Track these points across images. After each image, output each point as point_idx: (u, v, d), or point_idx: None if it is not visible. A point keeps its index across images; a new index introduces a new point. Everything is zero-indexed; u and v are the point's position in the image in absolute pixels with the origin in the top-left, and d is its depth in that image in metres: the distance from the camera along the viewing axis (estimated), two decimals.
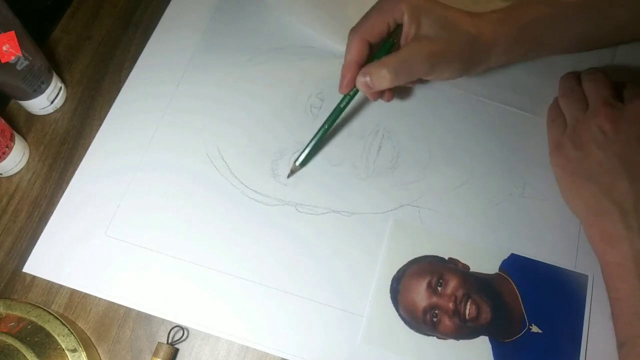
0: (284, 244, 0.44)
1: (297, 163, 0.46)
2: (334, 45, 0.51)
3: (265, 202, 0.46)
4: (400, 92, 0.50)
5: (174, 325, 0.42)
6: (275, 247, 0.44)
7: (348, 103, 0.46)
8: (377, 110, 0.49)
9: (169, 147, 0.48)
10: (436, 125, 0.49)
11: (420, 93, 0.50)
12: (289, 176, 0.47)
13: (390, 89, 0.46)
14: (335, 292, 0.43)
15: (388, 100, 0.47)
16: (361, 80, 0.43)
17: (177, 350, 0.42)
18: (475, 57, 0.45)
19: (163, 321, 0.43)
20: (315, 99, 0.50)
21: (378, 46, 0.45)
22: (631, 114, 0.42)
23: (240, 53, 0.52)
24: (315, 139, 0.46)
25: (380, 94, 0.46)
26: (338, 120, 0.46)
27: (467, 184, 0.47)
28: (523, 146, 0.48)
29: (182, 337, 0.42)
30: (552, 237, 0.44)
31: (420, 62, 0.42)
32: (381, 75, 0.42)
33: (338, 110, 0.46)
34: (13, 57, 0.44)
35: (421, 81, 0.49)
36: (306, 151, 0.46)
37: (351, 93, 0.45)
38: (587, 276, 0.43)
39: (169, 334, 0.42)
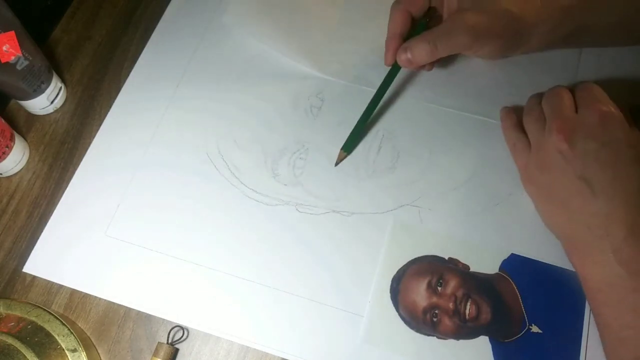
0: (284, 244, 0.44)
1: (342, 149, 0.46)
2: (301, 66, 0.51)
3: (266, 202, 0.46)
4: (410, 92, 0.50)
5: (174, 325, 0.42)
6: (276, 247, 0.44)
7: (394, 76, 0.46)
8: (377, 110, 0.49)
9: (169, 147, 0.48)
10: (436, 125, 0.49)
11: (420, 93, 0.50)
12: (336, 164, 0.47)
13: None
14: (335, 292, 0.43)
15: (429, 70, 0.49)
16: (402, 57, 0.44)
17: (177, 350, 0.42)
18: (517, 36, 0.44)
19: (163, 321, 0.43)
20: (315, 99, 0.50)
21: (419, 20, 0.46)
22: (583, 125, 0.39)
23: (240, 53, 0.52)
24: (362, 121, 0.46)
25: (422, 66, 0.47)
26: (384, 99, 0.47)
27: (468, 183, 0.47)
28: None
29: (182, 337, 0.42)
30: (552, 237, 0.44)
31: (462, 34, 0.43)
32: (421, 49, 0.43)
33: (385, 85, 0.46)
34: (13, 57, 0.44)
35: (459, 55, 0.50)
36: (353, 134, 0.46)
37: (395, 66, 0.46)
38: None
39: (169, 334, 0.42)
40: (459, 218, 0.45)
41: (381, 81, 0.47)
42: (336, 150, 0.48)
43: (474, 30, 0.43)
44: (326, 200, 0.46)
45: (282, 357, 0.41)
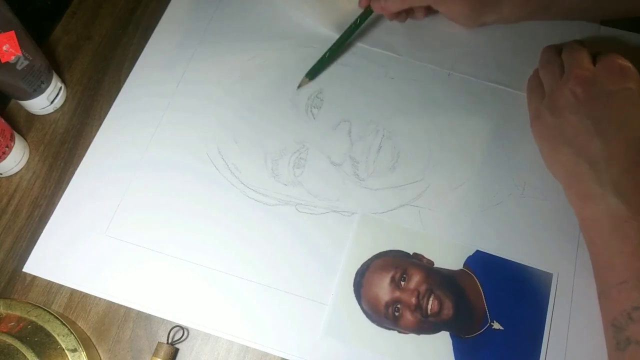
0: (284, 244, 0.44)
1: (306, 75, 0.48)
2: (326, 31, 0.53)
3: (265, 201, 0.46)
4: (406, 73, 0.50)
5: (174, 325, 0.42)
6: (276, 247, 0.44)
7: (365, 19, 0.50)
8: (377, 110, 0.49)
9: (169, 147, 0.48)
10: (436, 125, 0.49)
11: (421, 93, 0.50)
12: (298, 87, 0.49)
13: (405, 11, 0.51)
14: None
15: (402, 21, 0.52)
16: (377, 5, 0.49)
17: (177, 350, 0.42)
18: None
19: (163, 321, 0.43)
20: (316, 99, 0.50)
21: None
22: (601, 72, 0.43)
23: (240, 53, 0.52)
24: (329, 51, 0.49)
25: (395, 15, 0.51)
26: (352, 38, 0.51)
27: (467, 183, 0.47)
28: (524, 147, 0.48)
29: (182, 337, 0.42)
30: (516, 234, 0.44)
31: None
32: None
33: (354, 26, 0.49)
34: (13, 57, 0.44)
35: (431, 12, 0.51)
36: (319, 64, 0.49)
37: (368, 10, 0.49)
38: (551, 274, 0.43)
39: (169, 334, 0.42)
40: (459, 218, 0.45)
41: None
42: (336, 151, 0.48)
43: None
44: (326, 200, 0.46)
45: (283, 357, 0.41)
